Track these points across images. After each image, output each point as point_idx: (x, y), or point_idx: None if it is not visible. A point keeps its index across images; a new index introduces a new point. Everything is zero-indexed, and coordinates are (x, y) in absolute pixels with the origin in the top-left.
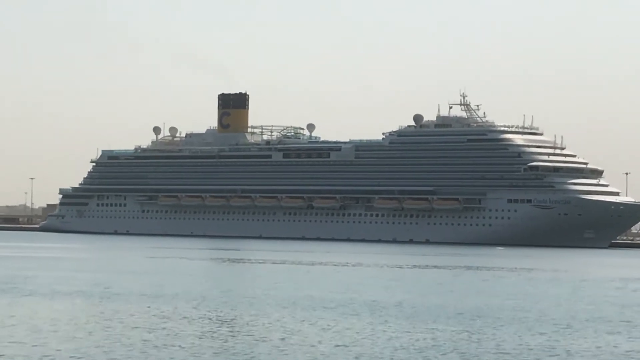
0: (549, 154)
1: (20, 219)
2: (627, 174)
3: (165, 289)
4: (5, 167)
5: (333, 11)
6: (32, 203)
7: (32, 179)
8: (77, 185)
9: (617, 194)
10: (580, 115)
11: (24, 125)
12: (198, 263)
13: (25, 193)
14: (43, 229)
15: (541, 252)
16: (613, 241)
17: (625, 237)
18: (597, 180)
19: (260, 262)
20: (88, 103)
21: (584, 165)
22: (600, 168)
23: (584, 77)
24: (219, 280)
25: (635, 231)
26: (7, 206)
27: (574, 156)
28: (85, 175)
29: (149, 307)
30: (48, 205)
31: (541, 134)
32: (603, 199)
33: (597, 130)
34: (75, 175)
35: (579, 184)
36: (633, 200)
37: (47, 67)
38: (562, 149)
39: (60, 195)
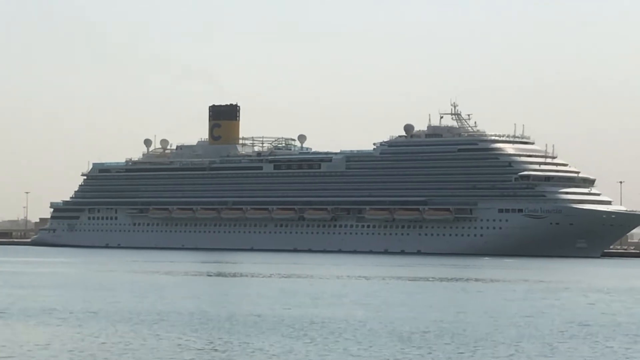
0: (540, 163)
1: (13, 233)
2: (620, 182)
3: (117, 306)
4: (1, 182)
5: (323, 22)
6: (26, 217)
7: (27, 193)
8: (68, 199)
9: (609, 203)
10: (572, 124)
11: (18, 139)
12: (179, 278)
13: (24, 207)
14: (35, 243)
15: (530, 262)
16: (605, 250)
17: (619, 246)
18: (589, 190)
19: (239, 276)
20: (79, 115)
21: (575, 174)
22: (592, 177)
23: (575, 85)
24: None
25: (636, 241)
26: (10, 220)
27: (565, 165)
28: (77, 189)
29: (80, 326)
30: (41, 219)
31: (532, 143)
32: (595, 208)
33: (589, 139)
34: (68, 189)
35: (571, 193)
36: (625, 209)
37: (37, 80)
38: (554, 158)
39: (52, 209)
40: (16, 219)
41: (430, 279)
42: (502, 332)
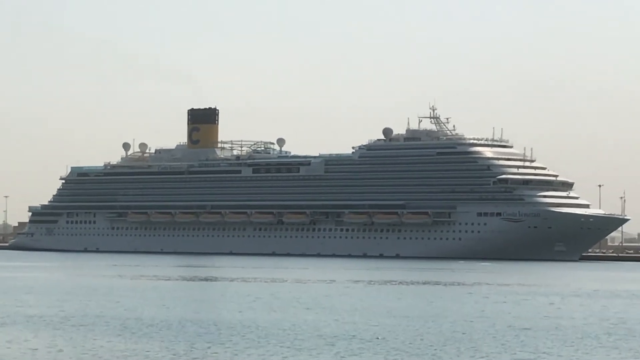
0: (518, 167)
1: None
2: (599, 186)
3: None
4: None
5: (302, 26)
6: (5, 221)
7: (6, 197)
8: (46, 203)
9: (587, 206)
10: (551, 127)
11: None
12: (144, 282)
13: (4, 211)
14: (13, 247)
15: (507, 266)
16: (584, 254)
17: (598, 250)
18: (567, 193)
19: (211, 280)
20: (58, 119)
21: (553, 178)
22: (570, 180)
23: (554, 89)
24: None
25: (616, 244)
26: None
27: (544, 168)
28: (55, 193)
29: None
30: (20, 223)
31: (511, 147)
32: (573, 212)
33: (568, 142)
34: (47, 193)
35: (549, 197)
36: (603, 212)
37: (16, 84)
38: (532, 161)
39: (30, 213)
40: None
41: (395, 283)
42: (429, 336)
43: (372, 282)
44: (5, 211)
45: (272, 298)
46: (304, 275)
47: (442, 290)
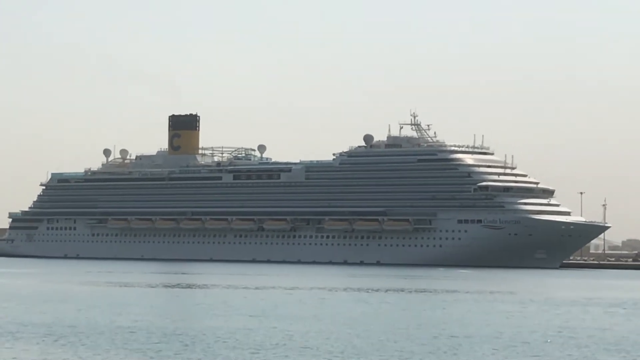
0: (499, 174)
1: None
2: (581, 193)
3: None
4: None
5: (282, 32)
6: None
7: None
8: (27, 209)
9: (568, 213)
10: (533, 134)
11: None
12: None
13: None
14: None
15: (485, 273)
16: (565, 261)
17: (579, 257)
18: (548, 200)
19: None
20: (38, 125)
21: (534, 185)
22: (551, 188)
23: (536, 96)
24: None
25: (598, 252)
26: None
27: (524, 176)
28: (35, 199)
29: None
30: (0, 229)
31: (492, 154)
32: (553, 219)
33: (550, 150)
34: (29, 199)
35: (529, 204)
36: (584, 220)
37: None
38: (513, 168)
39: (10, 219)
40: None
41: (358, 290)
42: (362, 342)
43: (335, 289)
44: None
45: (221, 305)
46: (272, 281)
47: (404, 297)
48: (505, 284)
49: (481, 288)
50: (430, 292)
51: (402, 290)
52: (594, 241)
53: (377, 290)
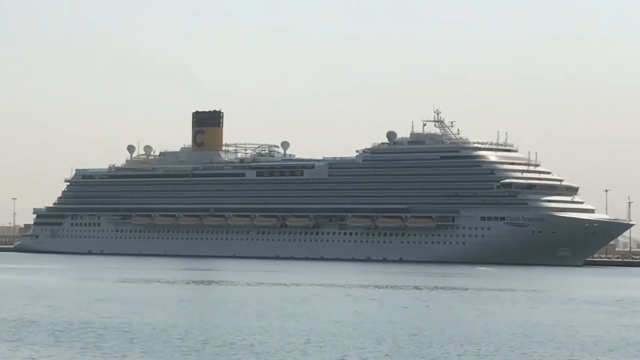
0: (522, 171)
1: None
2: (606, 191)
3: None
4: None
5: (306, 29)
6: (14, 223)
7: (14, 199)
8: (51, 205)
9: (592, 211)
10: (557, 131)
11: (5, 145)
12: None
13: (14, 213)
14: (17, 249)
15: (507, 270)
16: (588, 259)
17: (604, 255)
18: (572, 198)
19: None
20: (63, 121)
21: (558, 182)
22: (575, 185)
23: (560, 93)
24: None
25: (623, 249)
26: (3, 227)
27: (548, 173)
28: (60, 195)
29: None
30: (25, 225)
31: (515, 151)
32: (577, 217)
33: (574, 147)
34: (54, 195)
35: (553, 201)
36: (608, 217)
37: (22, 88)
38: (537, 165)
39: (35, 215)
40: (7, 225)
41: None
42: (341, 340)
43: (351, 286)
44: (16, 213)
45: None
46: (301, 279)
47: (419, 294)
48: (523, 281)
49: (500, 286)
50: (471, 290)
51: (445, 288)
52: (622, 239)
53: (399, 288)
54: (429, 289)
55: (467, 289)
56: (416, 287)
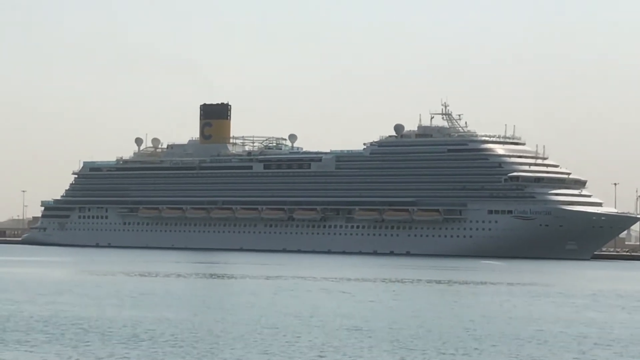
0: (530, 164)
1: (7, 232)
2: (615, 184)
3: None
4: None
5: (314, 21)
6: (24, 216)
7: (23, 191)
8: (59, 198)
9: (599, 204)
10: (565, 124)
11: (15, 138)
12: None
13: (26, 206)
14: (25, 242)
15: (513, 264)
16: (596, 253)
17: (613, 249)
18: (580, 191)
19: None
20: (71, 114)
21: (566, 176)
22: (583, 178)
23: (568, 85)
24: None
25: (633, 243)
26: (13, 219)
27: (556, 166)
28: (68, 187)
29: None
30: (34, 217)
31: (523, 144)
32: (585, 210)
33: (583, 140)
34: (62, 187)
35: (561, 195)
36: (617, 211)
37: (30, 80)
38: (544, 159)
39: (43, 208)
40: (16, 217)
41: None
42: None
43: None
44: (27, 206)
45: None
46: (312, 272)
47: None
48: (526, 275)
49: (501, 280)
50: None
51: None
52: (634, 233)
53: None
54: (445, 283)
55: (484, 283)
56: (429, 282)
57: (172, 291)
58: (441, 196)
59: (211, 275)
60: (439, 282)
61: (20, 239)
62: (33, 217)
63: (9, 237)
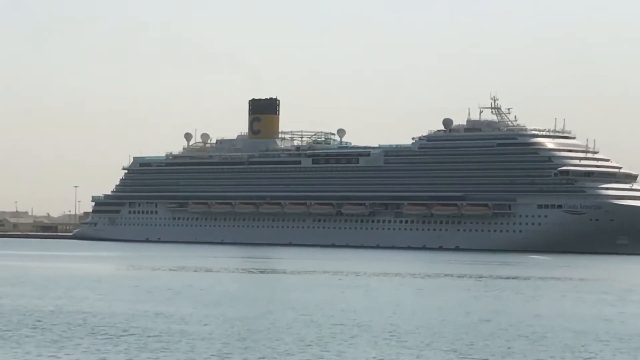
0: (580, 158)
1: (59, 227)
2: None
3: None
4: (53, 175)
5: (362, 15)
6: (76, 211)
7: (76, 187)
8: (109, 193)
9: None
10: (616, 118)
11: (68, 133)
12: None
13: (79, 201)
14: (76, 237)
15: (561, 259)
16: None
17: None
18: (631, 185)
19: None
20: (121, 109)
21: (616, 170)
22: (634, 173)
23: (619, 79)
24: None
25: None
26: (67, 214)
27: (607, 160)
28: (118, 183)
29: None
30: (85, 213)
31: (573, 138)
32: (636, 204)
33: (634, 133)
34: (113, 183)
35: (611, 189)
36: None
37: (79, 77)
38: (595, 152)
39: (93, 203)
40: (67, 213)
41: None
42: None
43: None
44: (80, 201)
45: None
46: (364, 267)
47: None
48: (571, 270)
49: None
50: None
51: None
52: None
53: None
54: (500, 277)
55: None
56: (494, 277)
57: (240, 286)
58: (490, 191)
59: (277, 271)
60: (506, 278)
61: (71, 234)
62: (84, 213)
63: (61, 232)
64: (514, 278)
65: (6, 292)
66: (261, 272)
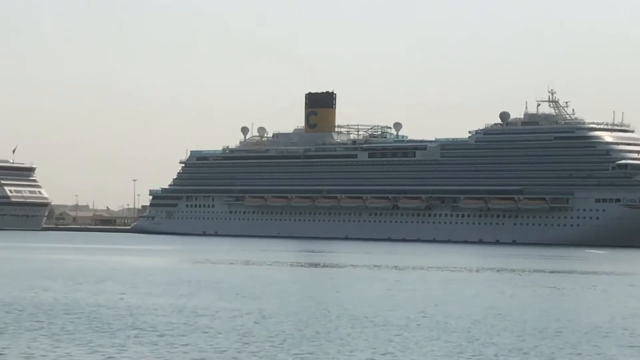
0: (639, 152)
1: (117, 221)
2: None
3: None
4: (112, 170)
5: (420, 11)
6: (135, 205)
7: (134, 180)
8: (166, 187)
9: None
10: None
11: (127, 128)
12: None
13: (138, 195)
14: (134, 230)
15: (618, 253)
16: None
17: None
18: None
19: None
20: (179, 104)
21: None
22: None
23: None
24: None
25: None
26: (126, 208)
27: None
28: (175, 177)
29: None
30: (142, 206)
31: (632, 131)
32: None
33: None
34: (169, 176)
35: None
36: None
37: (138, 71)
38: None
39: (151, 197)
40: (127, 206)
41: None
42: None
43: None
44: (139, 195)
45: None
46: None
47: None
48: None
49: (599, 269)
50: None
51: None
52: None
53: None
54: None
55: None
56: (557, 272)
57: (298, 280)
58: (548, 184)
59: (333, 266)
60: (571, 272)
61: (129, 227)
62: (142, 206)
63: (119, 225)
64: (583, 273)
65: (85, 288)
66: (326, 266)
